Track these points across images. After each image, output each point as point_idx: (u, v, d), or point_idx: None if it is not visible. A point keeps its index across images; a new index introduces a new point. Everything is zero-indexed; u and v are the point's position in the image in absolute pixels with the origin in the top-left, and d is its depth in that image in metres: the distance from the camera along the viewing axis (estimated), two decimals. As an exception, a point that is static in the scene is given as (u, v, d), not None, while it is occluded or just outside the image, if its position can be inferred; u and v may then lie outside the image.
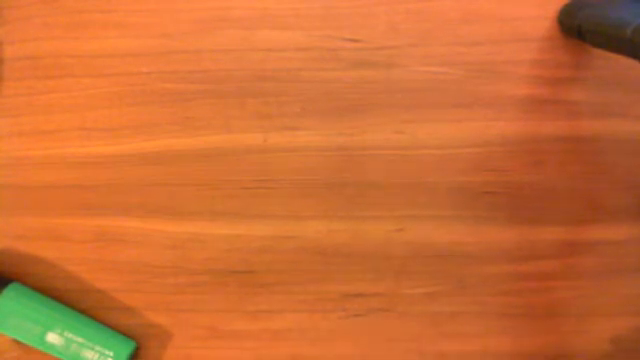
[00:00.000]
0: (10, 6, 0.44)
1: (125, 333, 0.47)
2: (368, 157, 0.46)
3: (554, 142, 0.45)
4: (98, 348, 0.44)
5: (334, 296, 0.47)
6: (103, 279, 0.47)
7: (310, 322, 0.47)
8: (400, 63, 0.45)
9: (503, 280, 0.47)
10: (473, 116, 0.45)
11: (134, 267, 0.47)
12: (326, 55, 0.45)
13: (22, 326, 0.43)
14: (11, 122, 0.46)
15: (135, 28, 0.45)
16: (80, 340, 0.44)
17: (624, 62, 0.44)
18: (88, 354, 0.44)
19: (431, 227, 0.46)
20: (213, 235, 0.47)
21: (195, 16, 0.44)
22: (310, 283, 0.47)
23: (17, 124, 0.46)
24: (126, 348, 0.45)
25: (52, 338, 0.44)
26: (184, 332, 0.48)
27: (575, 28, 0.42)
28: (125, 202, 0.46)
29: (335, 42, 0.44)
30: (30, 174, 0.46)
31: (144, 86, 0.45)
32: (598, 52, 0.44)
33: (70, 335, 0.44)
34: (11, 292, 0.44)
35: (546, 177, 0.46)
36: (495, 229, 0.46)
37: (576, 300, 0.47)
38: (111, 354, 0.44)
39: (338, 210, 0.46)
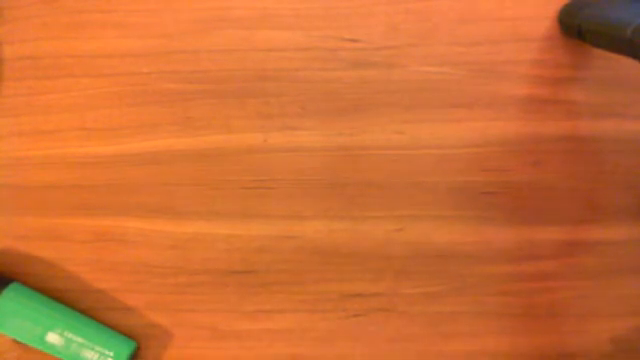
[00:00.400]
0: (10, 6, 0.44)
1: (125, 333, 0.47)
2: (368, 157, 0.46)
3: (554, 142, 0.45)
4: (98, 348, 0.44)
5: (334, 296, 0.47)
6: (103, 279, 0.47)
7: (310, 322, 0.47)
8: (400, 63, 0.45)
9: (503, 280, 0.47)
10: (473, 116, 0.45)
11: (134, 267, 0.47)
12: (326, 55, 0.45)
13: (22, 326, 0.43)
14: (11, 122, 0.46)
15: (135, 28, 0.45)
16: (80, 340, 0.44)
17: (624, 62, 0.44)
18: (88, 354, 0.44)
19: (431, 227, 0.46)
20: (213, 235, 0.47)
21: (195, 16, 0.44)
22: (310, 283, 0.47)
23: (17, 124, 0.46)
24: (126, 348, 0.45)
25: (52, 338, 0.44)
26: (184, 332, 0.48)
27: (575, 28, 0.42)
28: (125, 202, 0.46)
29: (335, 42, 0.44)
30: (30, 174, 0.46)
31: (144, 86, 0.45)
32: (598, 52, 0.44)
33: (70, 335, 0.44)
34: (11, 292, 0.44)
35: (546, 177, 0.46)
36: (495, 229, 0.46)
37: (576, 300, 0.47)
38: (111, 354, 0.44)
39: (338, 210, 0.46)
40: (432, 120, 0.45)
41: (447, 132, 0.45)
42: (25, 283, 0.46)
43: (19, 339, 0.44)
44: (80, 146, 0.46)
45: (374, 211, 0.46)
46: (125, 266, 0.47)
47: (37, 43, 0.45)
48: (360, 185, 0.46)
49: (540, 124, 0.45)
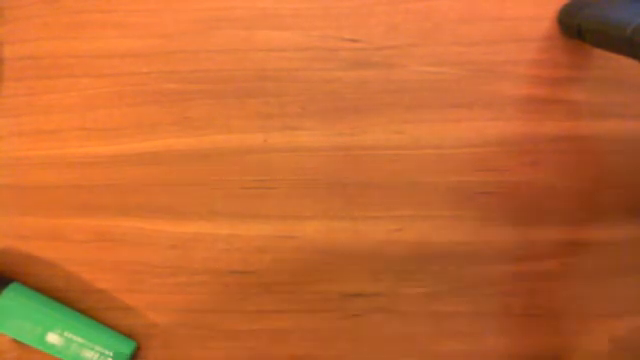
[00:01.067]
0: (10, 6, 0.44)
1: (125, 333, 0.47)
2: (368, 157, 0.46)
3: (553, 142, 0.45)
4: (98, 348, 0.44)
5: (334, 296, 0.47)
6: (103, 279, 0.47)
7: (310, 322, 0.47)
8: (400, 63, 0.45)
9: (502, 280, 0.47)
10: (472, 116, 0.45)
11: (134, 267, 0.47)
12: (326, 55, 0.45)
13: (22, 326, 0.43)
14: (11, 122, 0.46)
15: (135, 28, 0.45)
16: (80, 340, 0.44)
17: (624, 62, 0.44)
18: (88, 354, 0.44)
19: (430, 227, 0.46)
20: (213, 235, 0.47)
21: (195, 16, 0.44)
22: (310, 283, 0.47)
23: (17, 124, 0.46)
24: (126, 348, 0.45)
25: (52, 338, 0.44)
26: (184, 332, 0.48)
27: (575, 28, 0.42)
28: (125, 202, 0.46)
29: (335, 42, 0.44)
30: (30, 174, 0.46)
31: (144, 86, 0.45)
32: (598, 52, 0.44)
33: (70, 335, 0.44)
34: (11, 292, 0.44)
35: (545, 177, 0.46)
36: (494, 229, 0.46)
37: (576, 300, 0.47)
38: (111, 354, 0.44)
39: (338, 210, 0.46)
40: (432, 120, 0.45)
41: (447, 132, 0.45)
42: (25, 283, 0.46)
43: (19, 339, 0.44)
44: (80, 146, 0.46)
45: (374, 211, 0.46)
46: (125, 266, 0.47)
47: (38, 43, 0.45)
48: (360, 185, 0.46)
49: (540, 124, 0.45)
